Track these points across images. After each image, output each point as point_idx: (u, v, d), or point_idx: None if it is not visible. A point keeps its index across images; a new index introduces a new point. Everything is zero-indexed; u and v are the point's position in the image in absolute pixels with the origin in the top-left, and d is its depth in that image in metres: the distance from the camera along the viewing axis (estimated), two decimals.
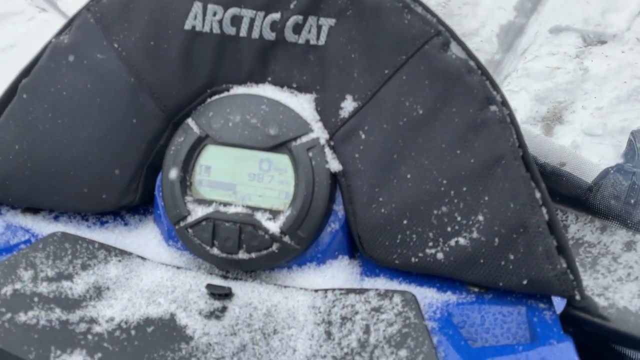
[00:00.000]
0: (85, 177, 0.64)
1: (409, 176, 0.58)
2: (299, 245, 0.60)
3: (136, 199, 0.66)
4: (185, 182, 0.62)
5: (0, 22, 2.89)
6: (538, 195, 0.56)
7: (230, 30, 0.62)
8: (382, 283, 0.61)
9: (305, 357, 0.51)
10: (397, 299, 0.55)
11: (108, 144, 0.64)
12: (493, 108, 0.56)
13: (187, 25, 0.62)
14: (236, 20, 0.61)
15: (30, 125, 0.64)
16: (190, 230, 0.61)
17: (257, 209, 0.61)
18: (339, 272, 0.63)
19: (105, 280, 0.58)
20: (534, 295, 0.59)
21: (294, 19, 0.60)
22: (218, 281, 0.60)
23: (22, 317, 0.52)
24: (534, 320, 0.56)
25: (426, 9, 0.59)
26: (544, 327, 0.55)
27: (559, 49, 2.72)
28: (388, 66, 0.59)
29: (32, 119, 0.64)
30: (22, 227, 0.67)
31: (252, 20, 0.61)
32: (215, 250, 0.60)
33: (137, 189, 0.65)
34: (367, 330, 0.53)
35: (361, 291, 0.57)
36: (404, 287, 0.61)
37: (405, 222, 0.58)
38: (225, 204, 0.61)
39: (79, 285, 0.56)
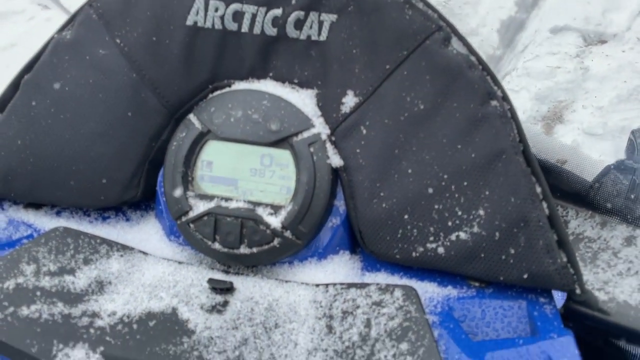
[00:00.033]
0: (87, 172, 0.65)
1: (410, 171, 0.59)
2: (300, 240, 0.61)
3: (138, 195, 0.66)
4: (187, 177, 0.62)
5: (1, 21, 2.89)
6: (539, 189, 0.56)
7: (232, 26, 0.62)
8: (383, 278, 0.62)
9: (306, 351, 0.51)
10: (398, 293, 0.55)
11: (110, 139, 0.64)
12: (494, 103, 0.56)
13: (189, 21, 0.62)
14: (238, 16, 0.61)
15: (32, 121, 0.65)
16: (191, 225, 0.61)
17: (259, 204, 0.61)
18: (340, 267, 0.63)
19: (107, 274, 0.58)
20: (535, 290, 0.59)
21: (295, 14, 0.61)
22: (219, 276, 0.60)
23: (24, 311, 0.52)
24: (534, 314, 0.56)
25: (427, 4, 0.59)
26: (544, 321, 0.55)
27: (560, 48, 2.72)
28: (389, 61, 0.59)
29: (34, 114, 0.64)
30: (25, 222, 0.67)
31: (254, 16, 0.61)
32: (216, 245, 0.61)
33: (139, 184, 0.66)
34: (368, 324, 0.53)
35: (362, 285, 0.57)
36: (405, 281, 0.61)
37: (406, 216, 0.59)
38: (226, 199, 0.61)
39: (81, 280, 0.57)
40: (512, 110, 0.57)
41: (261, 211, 0.60)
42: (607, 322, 0.58)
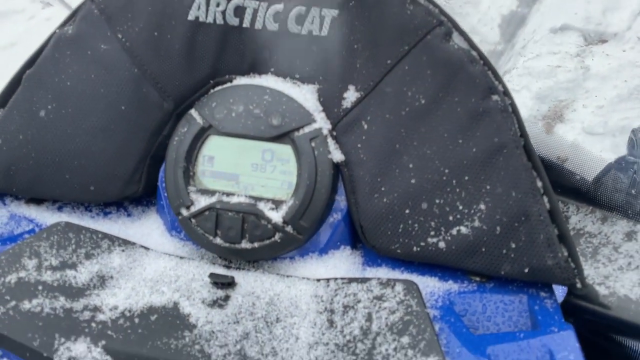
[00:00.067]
0: (88, 167, 0.65)
1: (411, 166, 0.59)
2: (301, 235, 0.61)
3: (139, 190, 0.66)
4: (188, 172, 0.62)
5: (1, 20, 2.89)
6: (539, 184, 0.56)
7: (234, 21, 0.62)
8: (384, 273, 0.62)
9: (307, 345, 0.51)
10: (399, 287, 0.55)
11: (111, 134, 0.64)
12: (495, 97, 0.57)
13: (191, 16, 0.62)
14: (239, 11, 0.61)
15: (34, 116, 0.65)
16: (193, 220, 0.61)
17: (260, 199, 0.61)
18: (341, 262, 0.63)
19: (109, 269, 0.58)
20: (535, 284, 0.59)
21: (296, 9, 0.61)
22: (221, 271, 0.60)
23: (26, 305, 0.52)
24: (535, 309, 0.56)
25: None
26: (545, 315, 0.55)
27: (560, 47, 2.72)
28: (390, 56, 0.59)
29: (36, 109, 0.65)
30: (26, 217, 0.67)
31: (255, 11, 0.61)
32: (218, 240, 0.61)
33: (141, 179, 0.66)
34: (369, 318, 0.53)
35: (363, 280, 0.57)
36: (406, 276, 0.61)
37: (407, 211, 0.59)
38: (228, 194, 0.61)
39: (82, 274, 0.57)
40: (513, 105, 0.57)
41: (262, 206, 0.60)
42: (607, 316, 0.58)
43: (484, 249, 0.57)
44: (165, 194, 0.64)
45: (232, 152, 0.62)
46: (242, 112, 0.61)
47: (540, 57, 2.67)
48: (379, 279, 0.57)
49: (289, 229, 0.60)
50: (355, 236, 0.64)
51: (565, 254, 0.55)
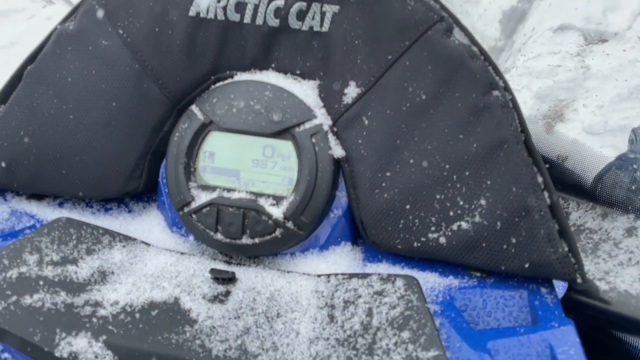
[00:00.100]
0: (89, 163, 0.65)
1: (411, 161, 0.59)
2: (302, 231, 0.61)
3: (140, 186, 0.66)
4: (189, 168, 0.62)
5: (1, 19, 2.90)
6: (540, 179, 0.56)
7: (234, 17, 0.62)
8: (384, 268, 0.62)
9: (308, 340, 0.51)
10: (399, 282, 0.55)
11: (112, 130, 0.64)
12: (495, 93, 0.57)
13: (192, 12, 0.62)
14: (240, 7, 0.62)
15: (35, 112, 0.65)
16: (194, 216, 0.61)
17: (261, 194, 0.61)
18: (342, 258, 0.63)
19: (110, 264, 0.58)
20: (536, 279, 0.59)
21: (297, 5, 0.61)
22: (222, 266, 0.60)
23: (27, 300, 0.52)
24: (535, 304, 0.56)
25: None
26: (545, 310, 0.55)
27: (561, 47, 2.72)
28: (391, 52, 0.59)
29: (37, 105, 0.65)
30: (27, 212, 0.67)
31: (256, 7, 0.61)
32: (219, 236, 0.61)
33: (141, 175, 0.66)
34: (369, 313, 0.53)
35: (364, 275, 0.57)
36: (407, 272, 0.61)
37: (408, 207, 0.59)
38: (229, 190, 0.61)
39: (83, 270, 0.57)
40: (513, 100, 0.57)
41: (263, 202, 0.60)
42: (608, 311, 0.58)
43: (484, 244, 0.57)
44: (166, 190, 0.64)
45: (233, 148, 0.62)
46: (242, 108, 0.61)
47: (541, 57, 2.67)
48: (379, 274, 0.57)
49: (289, 224, 0.60)
50: (355, 232, 0.64)
51: (566, 249, 0.55)
